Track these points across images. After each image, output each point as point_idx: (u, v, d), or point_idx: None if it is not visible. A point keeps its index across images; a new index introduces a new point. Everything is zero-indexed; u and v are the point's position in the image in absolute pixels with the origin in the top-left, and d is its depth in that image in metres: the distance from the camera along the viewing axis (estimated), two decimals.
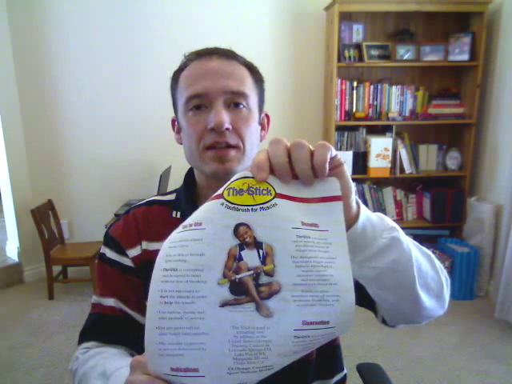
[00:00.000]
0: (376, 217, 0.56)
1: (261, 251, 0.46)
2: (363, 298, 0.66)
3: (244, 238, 0.46)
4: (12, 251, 3.27)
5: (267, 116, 0.85)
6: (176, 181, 2.96)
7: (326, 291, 0.46)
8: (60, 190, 3.18)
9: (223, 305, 0.46)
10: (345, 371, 0.90)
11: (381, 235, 0.55)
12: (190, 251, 0.47)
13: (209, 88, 0.71)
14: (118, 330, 0.79)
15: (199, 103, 0.73)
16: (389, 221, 0.57)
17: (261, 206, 0.46)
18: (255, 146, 0.77)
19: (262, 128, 0.83)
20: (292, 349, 0.47)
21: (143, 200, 0.87)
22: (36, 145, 3.10)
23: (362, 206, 0.55)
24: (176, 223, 0.78)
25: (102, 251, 0.83)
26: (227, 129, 0.71)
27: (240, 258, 0.46)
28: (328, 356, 0.86)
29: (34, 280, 3.20)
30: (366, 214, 0.54)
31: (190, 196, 0.82)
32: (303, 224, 0.47)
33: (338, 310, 0.47)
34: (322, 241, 0.46)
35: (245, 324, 0.46)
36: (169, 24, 2.98)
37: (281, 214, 0.46)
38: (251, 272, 0.46)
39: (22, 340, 2.42)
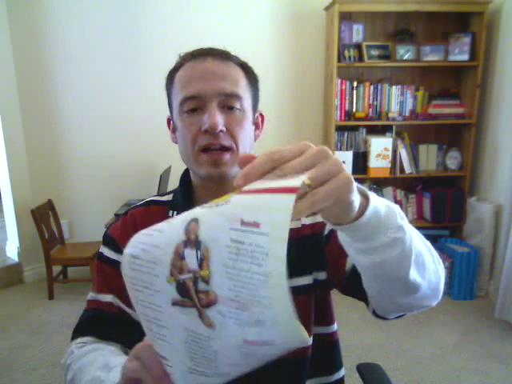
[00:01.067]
0: (385, 211, 0.53)
1: (199, 252, 0.41)
2: (356, 288, 0.66)
3: (190, 234, 0.41)
4: (12, 251, 3.27)
5: (261, 115, 0.85)
6: (176, 181, 2.94)
7: (262, 312, 0.39)
8: (60, 190, 3.18)
9: (173, 303, 0.44)
10: (343, 370, 0.90)
11: (385, 233, 0.52)
12: (151, 241, 0.46)
13: (203, 90, 0.72)
14: (115, 326, 0.79)
15: (194, 105, 0.73)
16: (398, 217, 0.54)
17: (217, 202, 0.41)
18: (249, 146, 0.78)
19: (257, 127, 0.83)
20: (242, 361, 0.43)
21: (142, 201, 0.88)
22: (36, 145, 3.10)
23: (372, 198, 0.52)
24: None
25: (100, 250, 0.84)
26: (221, 131, 0.72)
27: (183, 257, 0.42)
28: (326, 352, 0.86)
29: (34, 280, 3.20)
30: (374, 209, 0.51)
31: (186, 196, 0.83)
32: (242, 223, 0.38)
33: (279, 331, 0.40)
34: (257, 249, 0.37)
35: (192, 329, 0.43)
36: (168, 24, 2.98)
37: (227, 211, 0.39)
38: (190, 275, 0.42)
39: (21, 340, 2.42)
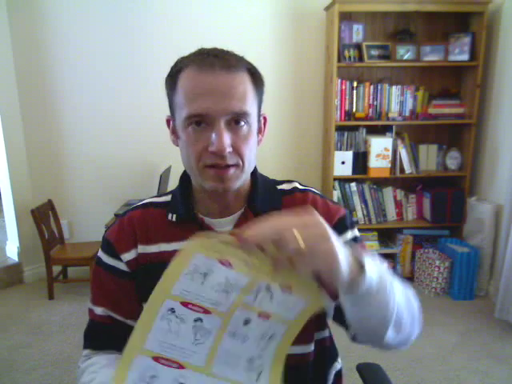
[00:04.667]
0: (376, 284, 0.61)
1: None
2: (339, 316, 0.75)
3: None
4: (12, 251, 3.27)
5: (264, 118, 0.83)
6: (176, 181, 2.94)
7: None
8: (60, 190, 3.18)
9: None
10: (339, 361, 0.93)
11: (372, 303, 0.62)
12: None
13: (211, 109, 0.69)
14: (108, 336, 0.81)
15: (200, 120, 0.71)
16: (387, 289, 0.63)
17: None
18: (254, 156, 0.77)
19: (259, 132, 0.81)
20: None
21: (140, 202, 0.88)
22: (36, 145, 3.10)
23: (367, 273, 0.60)
24: (171, 226, 0.80)
25: (98, 255, 0.84)
26: (228, 152, 0.71)
27: None
28: (324, 352, 0.88)
29: (34, 280, 3.20)
30: (369, 285, 0.60)
31: (185, 199, 0.82)
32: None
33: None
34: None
35: None
36: (169, 24, 2.98)
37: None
38: None
39: (21, 340, 2.42)
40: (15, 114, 3.01)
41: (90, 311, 0.84)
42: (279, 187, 0.86)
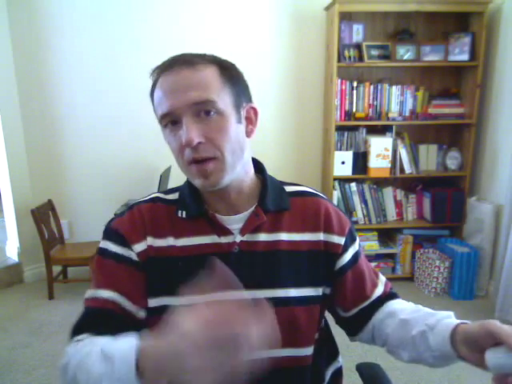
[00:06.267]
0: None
1: None
2: (350, 327, 0.88)
3: None
4: (12, 251, 3.27)
5: (253, 108, 0.80)
6: (176, 181, 2.94)
7: None
8: (60, 190, 3.18)
9: None
10: (340, 361, 0.94)
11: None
12: None
13: (172, 106, 0.71)
14: (114, 323, 0.76)
15: (171, 120, 0.72)
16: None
17: None
18: (239, 147, 0.75)
19: (249, 122, 0.79)
20: None
21: (146, 196, 0.87)
22: (36, 145, 3.10)
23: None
24: (182, 223, 0.80)
25: (103, 246, 0.81)
26: (199, 143, 0.70)
27: None
28: (325, 348, 0.90)
29: (34, 280, 3.20)
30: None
31: (195, 196, 0.82)
32: None
33: None
34: None
35: None
36: (169, 25, 2.97)
37: None
38: None
39: (21, 340, 2.42)
40: (15, 113, 3.01)
41: (90, 300, 0.78)
42: (287, 189, 0.87)
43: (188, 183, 0.84)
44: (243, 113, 0.77)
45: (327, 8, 2.90)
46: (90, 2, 2.94)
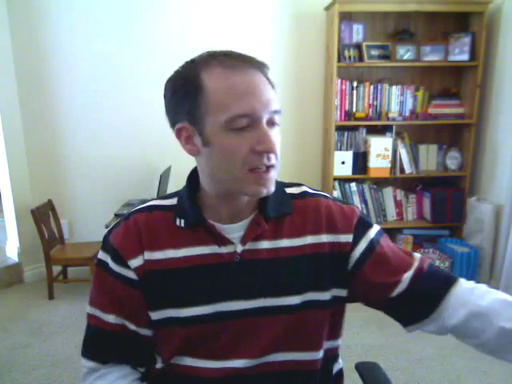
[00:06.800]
0: None
1: None
2: (399, 312, 0.80)
3: None
4: (12, 251, 3.27)
5: None
6: (176, 181, 2.95)
7: None
8: (60, 190, 3.18)
9: None
10: (340, 363, 0.92)
11: None
12: None
13: (257, 107, 0.67)
14: (118, 347, 0.79)
15: (246, 123, 0.67)
16: None
17: None
18: None
19: None
20: None
21: (143, 204, 0.83)
22: (36, 145, 3.10)
23: None
24: (179, 231, 0.77)
25: (102, 258, 0.79)
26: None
27: None
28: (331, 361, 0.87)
29: (34, 280, 3.20)
30: None
31: (194, 203, 0.78)
32: None
33: None
34: None
35: None
36: (169, 25, 2.98)
37: None
38: None
39: (21, 340, 2.42)
40: (15, 113, 3.01)
41: (93, 317, 0.79)
42: (288, 190, 0.83)
43: (187, 188, 0.80)
44: None
45: (327, 8, 2.90)
46: (90, 2, 2.94)
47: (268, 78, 0.72)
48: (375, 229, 0.82)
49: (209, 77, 0.68)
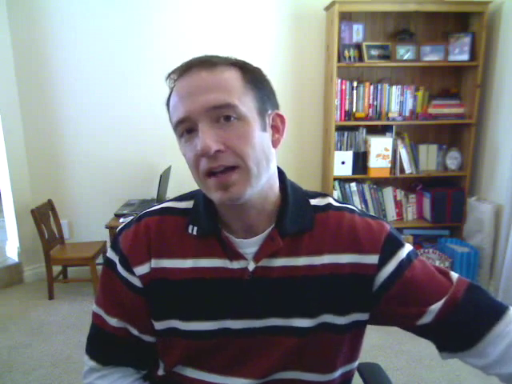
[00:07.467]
0: None
1: None
2: (436, 337, 0.73)
3: None
4: (12, 251, 3.27)
5: (279, 116, 0.72)
6: (176, 181, 2.96)
7: None
8: (60, 190, 3.18)
9: None
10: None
11: None
12: None
13: (189, 110, 0.63)
14: (122, 350, 0.78)
15: (187, 127, 0.65)
16: None
17: None
18: (264, 157, 0.66)
19: (275, 131, 0.72)
20: None
21: (158, 205, 0.80)
22: (36, 145, 3.10)
23: None
24: (191, 240, 0.73)
25: (111, 258, 0.78)
26: (219, 151, 0.62)
27: None
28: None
29: (34, 280, 3.20)
30: None
31: (209, 211, 0.74)
32: None
33: None
34: None
35: None
36: (169, 25, 2.97)
37: None
38: None
39: (21, 340, 2.42)
40: (15, 114, 3.01)
41: (97, 316, 0.79)
42: (312, 202, 0.76)
43: (204, 195, 0.74)
44: (269, 120, 0.69)
45: (327, 8, 2.90)
46: (91, 2, 2.94)
47: (242, 74, 0.67)
48: (407, 248, 0.74)
49: (174, 89, 0.67)
